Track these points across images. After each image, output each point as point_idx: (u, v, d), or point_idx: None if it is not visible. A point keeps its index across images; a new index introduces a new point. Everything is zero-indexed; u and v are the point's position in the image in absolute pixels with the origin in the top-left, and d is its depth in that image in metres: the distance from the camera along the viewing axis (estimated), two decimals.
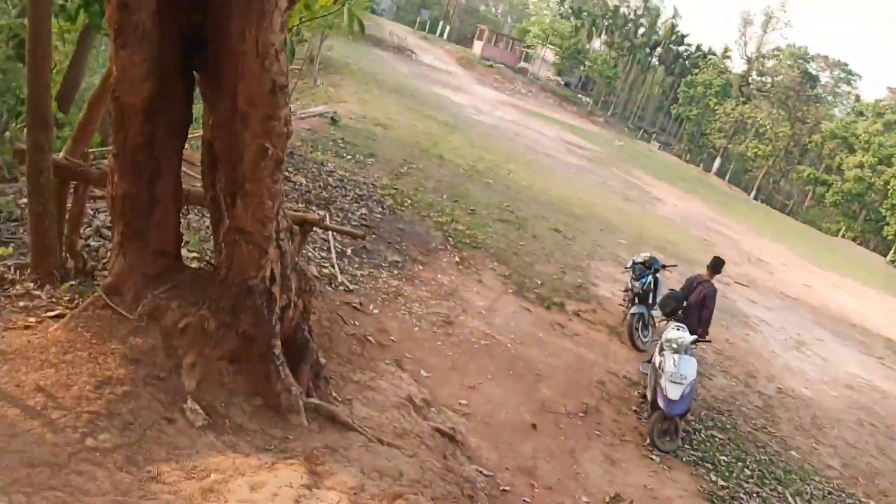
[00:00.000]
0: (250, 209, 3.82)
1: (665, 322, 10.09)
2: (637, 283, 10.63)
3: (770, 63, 59.63)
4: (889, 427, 11.99)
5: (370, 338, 7.30)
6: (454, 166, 18.71)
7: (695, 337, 8.22)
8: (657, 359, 8.57)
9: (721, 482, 7.64)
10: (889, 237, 48.68)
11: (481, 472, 5.73)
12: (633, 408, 8.63)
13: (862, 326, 20.14)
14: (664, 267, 10.95)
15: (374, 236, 10.82)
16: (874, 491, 9.19)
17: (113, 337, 3.61)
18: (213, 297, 3.95)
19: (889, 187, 48.61)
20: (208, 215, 4.93)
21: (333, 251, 9.25)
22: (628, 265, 11.43)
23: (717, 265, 9.56)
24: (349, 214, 11.42)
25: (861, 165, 50.77)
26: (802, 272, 25.93)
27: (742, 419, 9.70)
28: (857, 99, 59.39)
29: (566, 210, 19.10)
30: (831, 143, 54.79)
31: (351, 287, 8.49)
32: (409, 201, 13.43)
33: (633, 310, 10.52)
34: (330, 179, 12.84)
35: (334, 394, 4.83)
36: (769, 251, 27.86)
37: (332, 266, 8.81)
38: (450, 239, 12.19)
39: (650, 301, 10.62)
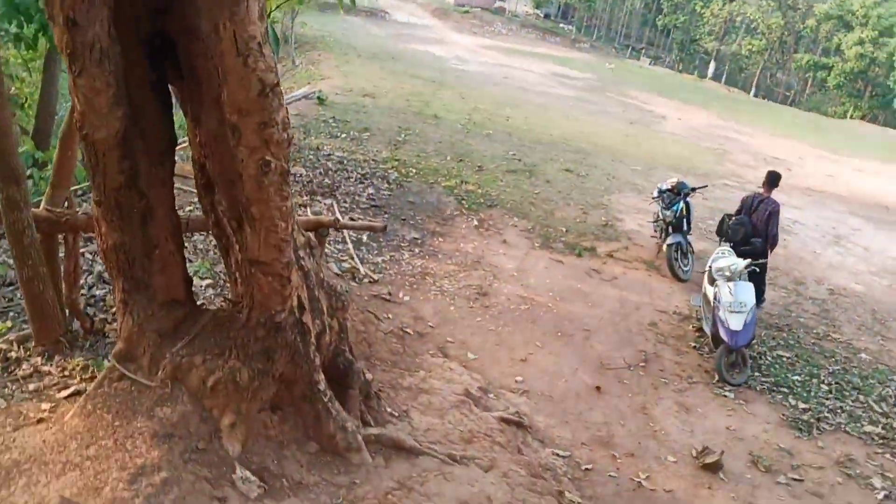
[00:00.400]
0: (261, 236, 3.30)
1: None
2: (668, 212, 10.09)
3: None
4: None
5: (408, 329, 6.86)
6: (450, 124, 18.06)
7: (748, 261, 7.70)
8: (709, 290, 8.09)
9: (801, 405, 7.23)
10: None
11: (558, 454, 5.33)
12: (692, 344, 8.18)
13: (895, 207, 19.49)
14: (694, 190, 10.37)
15: (386, 215, 10.32)
16: None
17: (137, 413, 3.16)
18: (239, 342, 3.46)
19: (894, 59, 47.03)
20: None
21: (349, 241, 8.77)
22: (654, 194, 10.88)
23: (774, 179, 9.11)
24: (356, 197, 10.90)
25: (861, 42, 49.00)
26: (821, 163, 25.14)
27: (803, 331, 9.25)
28: None
29: (572, 147, 18.45)
30: (827, 25, 52.93)
31: (375, 277, 8.03)
32: (414, 170, 12.89)
33: (669, 240, 10.00)
34: (329, 164, 12.29)
35: (388, 409, 4.41)
36: (782, 148, 27.03)
37: (352, 258, 8.33)
38: (463, 202, 11.67)
39: (685, 228, 10.10)
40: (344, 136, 14.55)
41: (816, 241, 14.06)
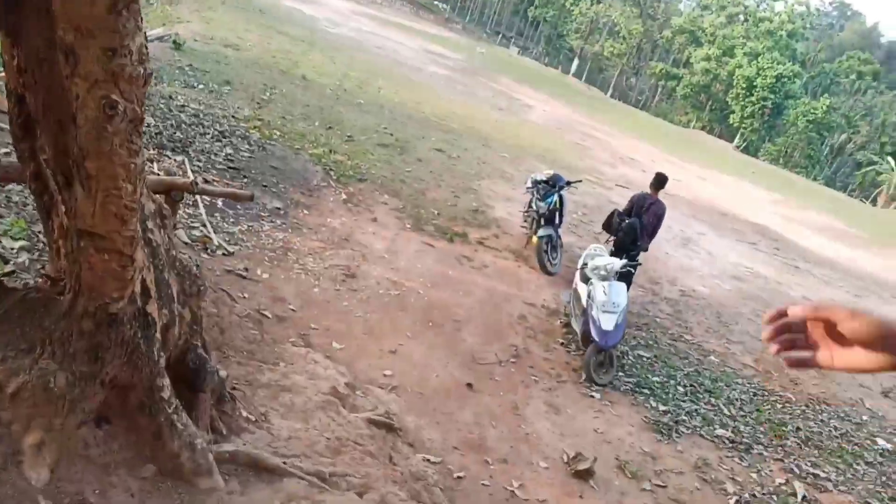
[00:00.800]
0: (98, 199, 2.44)
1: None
2: (542, 204, 9.96)
3: None
4: None
5: (266, 312, 6.10)
6: (320, 87, 17.05)
7: (624, 261, 7.66)
8: (582, 287, 8.00)
9: (661, 406, 7.31)
10: (734, 124, 51.78)
11: (429, 460, 4.87)
12: (560, 341, 8.06)
13: (732, 215, 21.02)
14: (569, 184, 10.31)
15: (245, 180, 9.35)
16: (786, 381, 9.33)
17: None
18: (56, 336, 2.58)
19: (733, 77, 51.27)
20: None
21: (202, 206, 7.78)
22: (528, 185, 10.73)
23: (662, 181, 9.18)
24: (212, 157, 9.78)
25: (708, 58, 53.03)
26: (671, 167, 26.61)
27: (660, 331, 9.49)
28: None
29: (444, 126, 18.11)
30: (680, 38, 56.69)
31: (231, 250, 7.14)
32: (279, 133, 11.89)
33: (541, 232, 9.87)
34: (183, 116, 10.97)
35: (245, 413, 3.70)
36: (637, 149, 28.44)
37: (204, 226, 7.37)
38: (331, 173, 10.90)
39: (557, 221, 10.02)
40: (201, 87, 13.17)
41: (668, 242, 14.66)
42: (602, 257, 7.87)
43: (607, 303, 7.25)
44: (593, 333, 7.22)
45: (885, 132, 51.60)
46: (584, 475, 5.53)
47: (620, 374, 7.70)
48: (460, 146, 16.38)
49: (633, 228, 8.90)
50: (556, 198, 9.91)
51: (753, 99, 50.53)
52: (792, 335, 1.17)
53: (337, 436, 4.09)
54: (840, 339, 1.12)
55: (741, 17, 54.84)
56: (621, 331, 7.35)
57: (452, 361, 6.72)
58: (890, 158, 49.49)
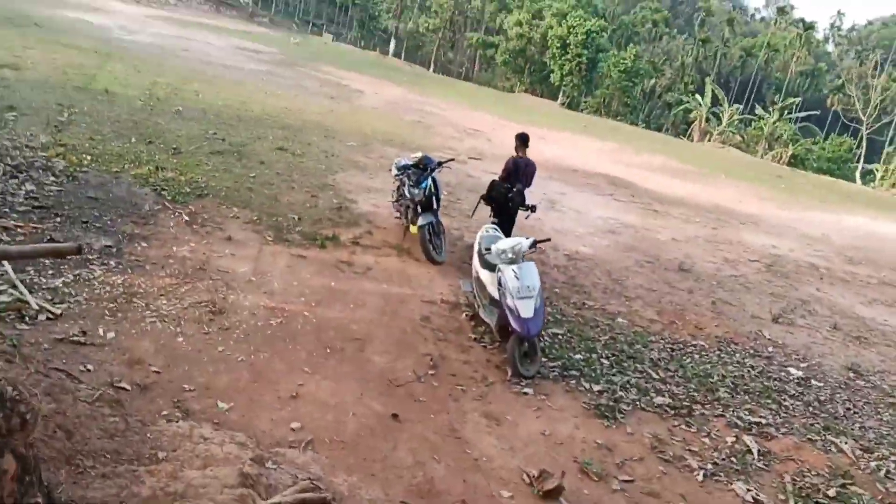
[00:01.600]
0: None
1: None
2: (417, 190, 9.03)
3: None
4: (658, 258, 12.40)
5: (122, 384, 4.72)
6: (128, 100, 14.92)
7: (532, 239, 6.87)
8: (485, 274, 7.18)
9: (594, 386, 6.69)
10: (556, 83, 53.64)
11: None
12: (473, 336, 7.22)
13: (581, 170, 21.28)
14: (440, 164, 9.42)
15: (59, 219, 7.60)
16: (692, 329, 9.15)
17: None
18: None
19: (547, 39, 52.95)
20: None
21: (6, 262, 6.05)
22: (394, 171, 9.77)
23: (525, 140, 9.10)
24: (8, 198, 7.89)
25: (520, 23, 54.34)
26: (510, 132, 26.67)
27: (563, 302, 8.96)
28: None
29: (279, 123, 16.63)
30: (490, 7, 57.66)
31: (56, 311, 5.55)
32: (90, 157, 10.01)
33: (421, 220, 8.95)
34: None
35: None
36: (476, 119, 28.28)
37: (14, 287, 5.70)
38: (164, 193, 9.29)
39: (435, 206, 9.14)
40: None
41: (538, 206, 14.30)
42: (506, 239, 7.08)
43: (521, 287, 6.47)
44: (513, 324, 6.43)
45: (686, 73, 55.83)
46: (554, 494, 4.74)
47: (544, 359, 7.00)
48: (302, 141, 15.04)
49: (519, 194, 8.85)
50: (430, 181, 9.02)
51: (569, 56, 52.58)
52: None
53: None
54: None
55: None
56: (542, 315, 6.62)
57: (367, 391, 5.64)
58: (698, 96, 53.71)
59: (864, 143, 58.20)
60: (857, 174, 53.04)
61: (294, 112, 18.85)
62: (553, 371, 6.85)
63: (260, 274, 7.49)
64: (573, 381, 6.71)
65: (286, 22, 59.95)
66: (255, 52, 33.67)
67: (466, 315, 7.68)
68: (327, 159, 13.97)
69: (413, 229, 9.12)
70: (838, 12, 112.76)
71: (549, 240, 7.77)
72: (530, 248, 6.74)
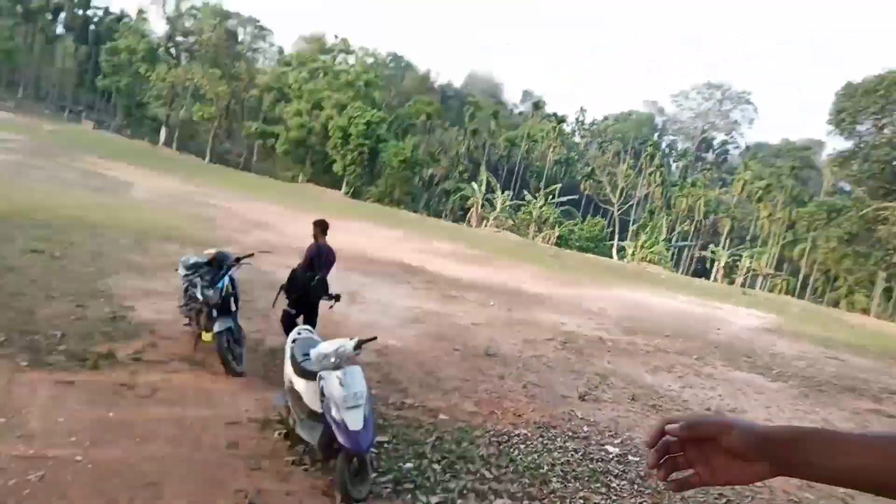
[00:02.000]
0: None
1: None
2: (211, 292, 8.01)
3: (191, 22, 58.05)
4: (465, 344, 12.33)
5: None
6: None
7: (357, 339, 6.18)
8: (300, 383, 6.36)
9: (433, 499, 6.08)
10: (338, 173, 54.09)
11: None
12: (290, 460, 6.29)
13: (377, 259, 21.15)
14: (239, 261, 8.50)
15: None
16: (510, 415, 8.99)
17: None
18: None
19: (328, 129, 53.56)
20: None
21: None
22: (182, 271, 8.67)
23: (325, 227, 8.97)
24: None
25: (299, 113, 54.47)
26: (299, 224, 26.01)
27: (381, 405, 8.31)
28: (281, 51, 63.20)
29: (34, 222, 14.45)
30: (269, 96, 57.23)
31: None
32: None
33: (218, 326, 7.91)
34: None
35: None
36: (262, 211, 27.25)
37: None
38: None
39: (234, 308, 8.16)
40: None
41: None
42: (325, 342, 6.32)
43: (348, 396, 5.74)
44: (340, 439, 5.64)
45: (460, 162, 59.58)
46: None
47: (373, 474, 6.26)
48: (63, 241, 13.13)
49: (322, 282, 8.62)
50: (227, 280, 8.07)
51: (351, 147, 53.55)
52: (672, 455, 1.12)
53: None
54: (717, 452, 1.08)
55: (322, 73, 57.76)
56: (372, 425, 5.91)
57: None
58: (474, 184, 57.41)
59: (616, 223, 65.83)
60: (614, 250, 59.56)
61: (52, 208, 16.59)
62: (386, 487, 6.14)
63: (13, 412, 5.96)
64: (409, 496, 6.06)
65: (37, 107, 54.35)
66: (1, 141, 29.77)
67: (279, 434, 6.74)
68: (95, 261, 12.25)
69: (207, 336, 8.02)
70: (581, 108, 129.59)
71: (375, 338, 7.14)
72: (355, 349, 6.05)
